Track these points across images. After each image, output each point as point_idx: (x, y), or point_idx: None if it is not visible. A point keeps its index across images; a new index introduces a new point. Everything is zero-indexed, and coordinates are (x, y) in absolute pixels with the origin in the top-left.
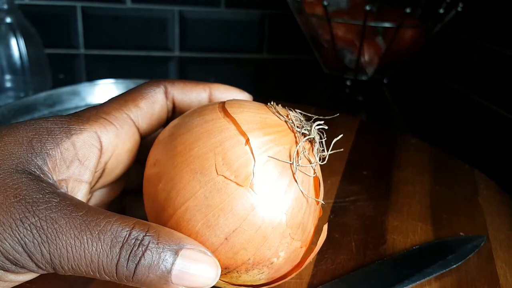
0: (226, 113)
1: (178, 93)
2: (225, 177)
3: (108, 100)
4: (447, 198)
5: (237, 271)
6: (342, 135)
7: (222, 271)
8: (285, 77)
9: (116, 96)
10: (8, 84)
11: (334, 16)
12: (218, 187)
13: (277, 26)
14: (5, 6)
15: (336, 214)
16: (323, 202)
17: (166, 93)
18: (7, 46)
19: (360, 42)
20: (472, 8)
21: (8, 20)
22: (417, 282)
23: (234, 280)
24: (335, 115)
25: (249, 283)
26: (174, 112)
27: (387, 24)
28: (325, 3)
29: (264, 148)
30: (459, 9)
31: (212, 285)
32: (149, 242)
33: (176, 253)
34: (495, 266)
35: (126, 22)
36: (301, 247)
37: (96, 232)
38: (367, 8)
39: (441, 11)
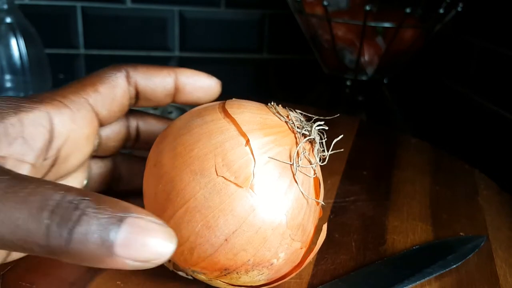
0: (226, 114)
1: (141, 78)
2: (225, 178)
3: (66, 85)
4: (447, 198)
5: (237, 272)
6: (342, 135)
7: (222, 272)
8: (285, 77)
9: (74, 81)
10: (8, 84)
11: (334, 16)
12: (218, 188)
13: (277, 26)
14: (5, 6)
15: (336, 214)
16: (323, 202)
17: (128, 77)
18: (7, 46)
19: (360, 42)
20: (472, 8)
21: (8, 20)
22: (417, 282)
23: (234, 281)
24: (335, 116)
25: (248, 284)
26: (138, 99)
27: (387, 24)
28: (325, 3)
29: (265, 149)
30: (459, 9)
31: (166, 258)
32: (86, 206)
33: (120, 220)
34: (495, 266)
35: (126, 22)
36: (301, 248)
37: (23, 194)
38: (367, 8)
39: (441, 11)
